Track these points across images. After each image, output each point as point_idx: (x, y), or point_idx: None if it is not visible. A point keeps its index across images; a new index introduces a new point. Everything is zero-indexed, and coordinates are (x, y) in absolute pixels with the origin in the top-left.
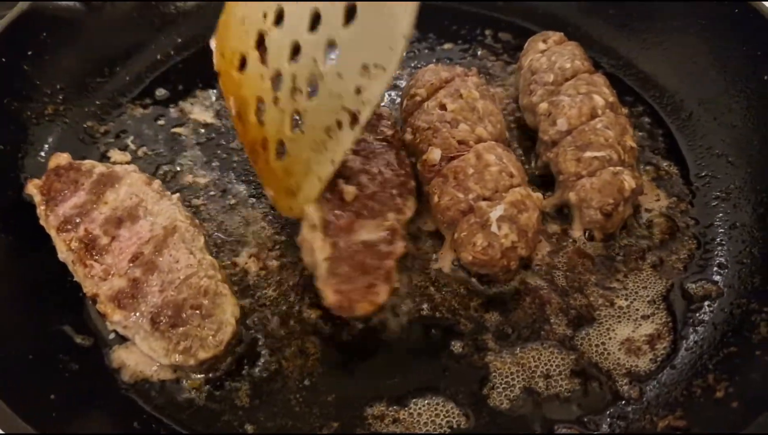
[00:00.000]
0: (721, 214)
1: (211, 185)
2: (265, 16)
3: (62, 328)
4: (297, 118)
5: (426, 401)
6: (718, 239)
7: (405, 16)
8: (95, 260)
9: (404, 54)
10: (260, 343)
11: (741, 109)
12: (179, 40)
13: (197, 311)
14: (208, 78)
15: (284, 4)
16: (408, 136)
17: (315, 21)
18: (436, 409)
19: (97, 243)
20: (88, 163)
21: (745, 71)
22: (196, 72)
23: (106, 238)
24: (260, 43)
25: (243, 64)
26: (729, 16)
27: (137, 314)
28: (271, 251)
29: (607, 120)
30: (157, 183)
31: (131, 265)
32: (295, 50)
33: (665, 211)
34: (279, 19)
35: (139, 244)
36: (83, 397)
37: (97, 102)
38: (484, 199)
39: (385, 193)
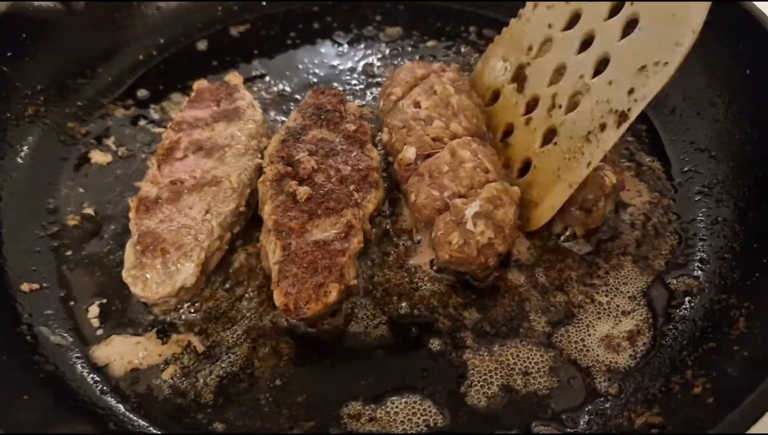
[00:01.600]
0: (703, 209)
1: None
2: (530, 49)
3: (38, 329)
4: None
5: (403, 400)
6: (700, 234)
7: (699, 11)
8: (163, 163)
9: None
10: (236, 342)
11: (724, 104)
12: (161, 41)
13: (163, 256)
14: (189, 79)
15: (554, 34)
16: (385, 136)
17: (586, 43)
18: (413, 407)
19: (174, 154)
20: (243, 94)
21: (728, 66)
22: (178, 73)
23: (182, 153)
24: (516, 77)
25: (495, 98)
26: (712, 11)
27: (140, 223)
28: (256, 249)
29: None
30: (259, 140)
31: (170, 185)
32: (558, 72)
33: (647, 206)
34: (543, 49)
35: (189, 175)
36: (58, 398)
37: (78, 103)
38: (460, 196)
39: (342, 190)
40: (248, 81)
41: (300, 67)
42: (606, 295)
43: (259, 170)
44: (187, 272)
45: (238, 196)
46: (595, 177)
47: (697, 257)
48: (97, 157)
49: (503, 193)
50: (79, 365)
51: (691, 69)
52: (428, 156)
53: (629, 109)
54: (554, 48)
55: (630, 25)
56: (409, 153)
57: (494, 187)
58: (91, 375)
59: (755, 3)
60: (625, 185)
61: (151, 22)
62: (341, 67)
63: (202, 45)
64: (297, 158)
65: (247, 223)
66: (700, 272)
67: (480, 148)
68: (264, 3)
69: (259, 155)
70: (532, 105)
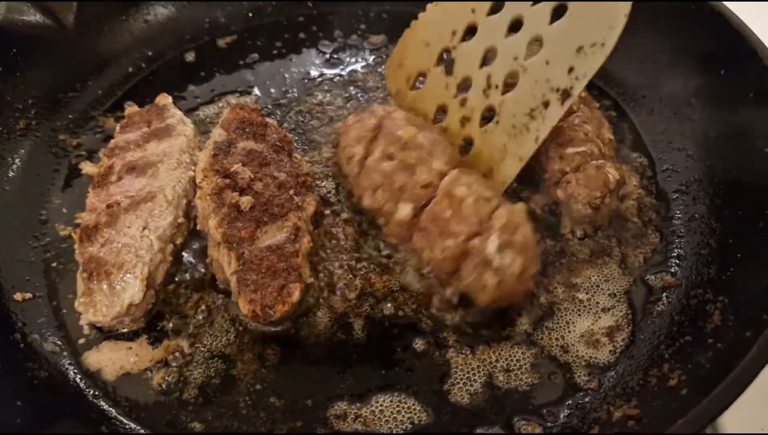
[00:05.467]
0: (681, 207)
1: None
2: (453, 33)
3: (31, 337)
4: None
5: (388, 398)
6: (677, 231)
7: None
8: (99, 189)
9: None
10: (224, 348)
11: (699, 104)
12: (149, 53)
13: (107, 278)
14: (178, 90)
15: (478, 19)
16: (367, 202)
17: (514, 27)
18: (398, 405)
19: (109, 178)
20: (173, 112)
21: (703, 66)
22: (167, 84)
23: (116, 177)
24: (440, 59)
25: (417, 81)
26: (687, 14)
27: (84, 252)
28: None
29: (584, 115)
30: (192, 153)
31: (106, 209)
32: (487, 55)
33: (632, 203)
34: (468, 34)
35: (124, 196)
36: (51, 403)
37: (70, 116)
38: (474, 235)
39: (282, 195)
40: (236, 92)
41: (286, 76)
42: (587, 293)
43: (194, 182)
44: (133, 289)
45: (175, 209)
46: (599, 175)
47: (675, 254)
48: (88, 168)
49: (512, 215)
50: (71, 371)
51: (667, 70)
52: (423, 207)
53: (571, 87)
54: (480, 32)
55: (559, 10)
56: (405, 211)
57: (502, 213)
58: (83, 380)
59: (726, 4)
60: (626, 181)
61: (140, 35)
62: (327, 75)
63: (190, 56)
64: (233, 170)
65: (190, 234)
66: (677, 268)
67: (468, 178)
68: (250, 15)
69: (193, 168)
70: (462, 87)
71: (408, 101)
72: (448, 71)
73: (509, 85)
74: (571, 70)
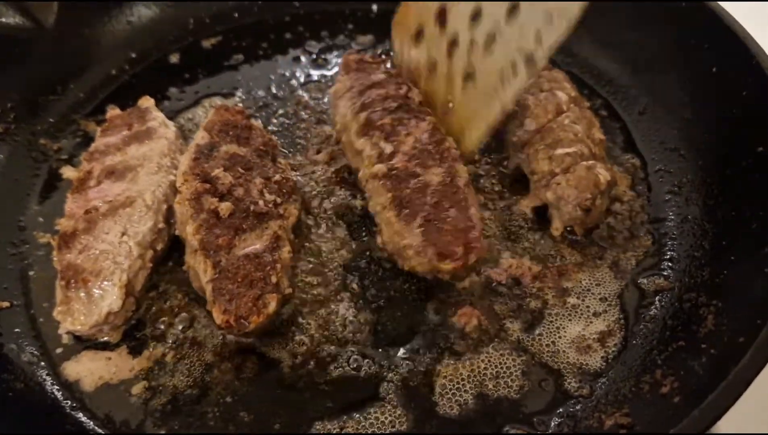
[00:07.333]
0: (674, 208)
1: None
2: None
3: (8, 347)
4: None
5: (374, 409)
6: (670, 233)
7: None
8: (78, 194)
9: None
10: (203, 358)
11: (691, 102)
12: (133, 55)
13: (85, 286)
14: (162, 92)
15: None
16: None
17: None
18: (385, 417)
19: (87, 183)
20: (155, 115)
21: (695, 64)
22: (150, 86)
23: (95, 181)
24: (440, 15)
25: (418, 36)
26: (678, 12)
27: (62, 259)
28: None
29: (574, 115)
30: (173, 157)
31: (84, 215)
32: (476, 14)
33: (625, 206)
34: None
35: (103, 201)
36: (27, 416)
37: (50, 119)
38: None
39: (263, 202)
40: (220, 94)
41: (272, 77)
42: (578, 297)
43: (174, 186)
44: (111, 297)
45: (155, 214)
46: (589, 176)
47: (668, 256)
48: (69, 173)
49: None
50: (48, 382)
51: (659, 69)
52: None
53: (537, 54)
54: None
55: None
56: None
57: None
58: (60, 392)
59: (720, 3)
60: (617, 182)
61: (123, 37)
62: (313, 76)
63: (174, 58)
64: (213, 175)
65: (170, 240)
66: (670, 271)
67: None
68: (236, 15)
69: (174, 171)
70: (452, 44)
71: (406, 59)
72: (442, 27)
73: (489, 49)
74: (538, 36)
